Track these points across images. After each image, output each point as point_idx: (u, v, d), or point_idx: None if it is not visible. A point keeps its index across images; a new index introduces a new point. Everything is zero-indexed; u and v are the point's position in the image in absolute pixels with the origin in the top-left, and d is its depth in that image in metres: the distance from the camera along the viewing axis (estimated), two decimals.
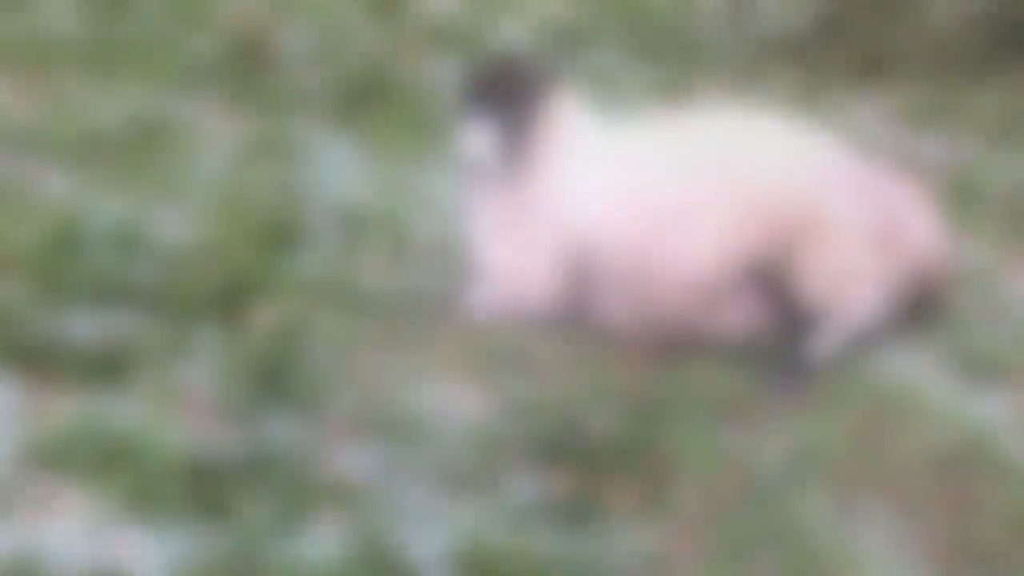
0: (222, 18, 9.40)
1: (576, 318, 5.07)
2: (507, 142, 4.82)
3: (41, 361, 4.57)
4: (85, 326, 4.87)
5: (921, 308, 5.10)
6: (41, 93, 8.11)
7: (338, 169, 6.79)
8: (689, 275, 4.77)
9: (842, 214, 4.73)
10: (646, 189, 4.82)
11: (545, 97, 4.96)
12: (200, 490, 3.85)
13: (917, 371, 4.66)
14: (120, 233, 5.62)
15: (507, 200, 5.04)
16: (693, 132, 4.95)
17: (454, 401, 4.48)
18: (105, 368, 4.58)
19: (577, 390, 4.49)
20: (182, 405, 4.38)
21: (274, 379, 4.51)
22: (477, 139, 4.79)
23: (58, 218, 5.78)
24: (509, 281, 5.02)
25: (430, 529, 3.73)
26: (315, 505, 3.72)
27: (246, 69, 8.64)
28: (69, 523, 3.69)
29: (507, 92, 4.90)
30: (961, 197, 6.70)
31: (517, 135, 4.86)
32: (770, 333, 4.91)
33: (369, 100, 7.88)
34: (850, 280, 4.76)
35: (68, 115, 7.51)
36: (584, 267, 4.95)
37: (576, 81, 8.64)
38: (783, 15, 10.32)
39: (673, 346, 4.89)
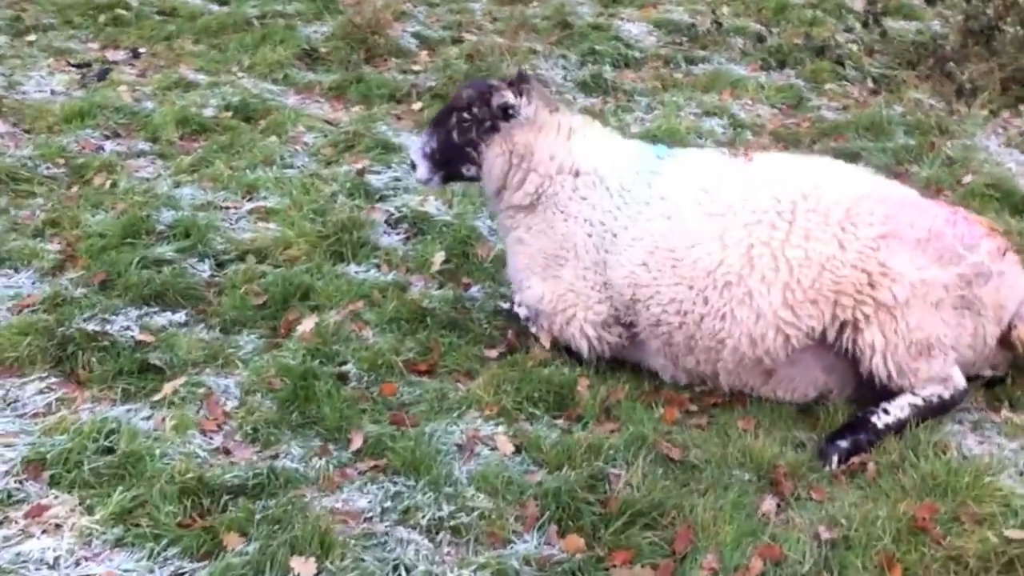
0: (343, 6, 9.33)
1: (626, 359, 4.78)
2: (438, 152, 4.83)
3: (79, 359, 4.54)
4: (130, 326, 4.83)
5: (1007, 372, 4.61)
6: (160, 70, 8.19)
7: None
8: (743, 348, 4.37)
9: (919, 279, 4.21)
10: (695, 253, 4.38)
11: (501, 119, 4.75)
12: (195, 514, 3.73)
13: (993, 450, 4.18)
14: (185, 229, 5.57)
15: (541, 234, 4.75)
16: (753, 188, 4.43)
17: (481, 440, 4.24)
18: (139, 371, 4.53)
19: (610, 439, 4.19)
20: (205, 418, 4.28)
21: (301, 400, 4.37)
22: (414, 142, 4.91)
23: (132, 208, 5.79)
24: (550, 316, 4.75)
25: None
26: (304, 546, 3.54)
27: (358, 59, 8.54)
28: (58, 538, 3.62)
29: (450, 111, 4.84)
30: None
31: (449, 150, 4.81)
32: (837, 393, 4.51)
33: None
34: (926, 350, 4.26)
35: (177, 96, 7.54)
36: (627, 315, 4.62)
37: (694, 82, 8.35)
38: (928, 23, 9.67)
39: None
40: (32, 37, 8.75)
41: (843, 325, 4.27)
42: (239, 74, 8.21)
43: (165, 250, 5.42)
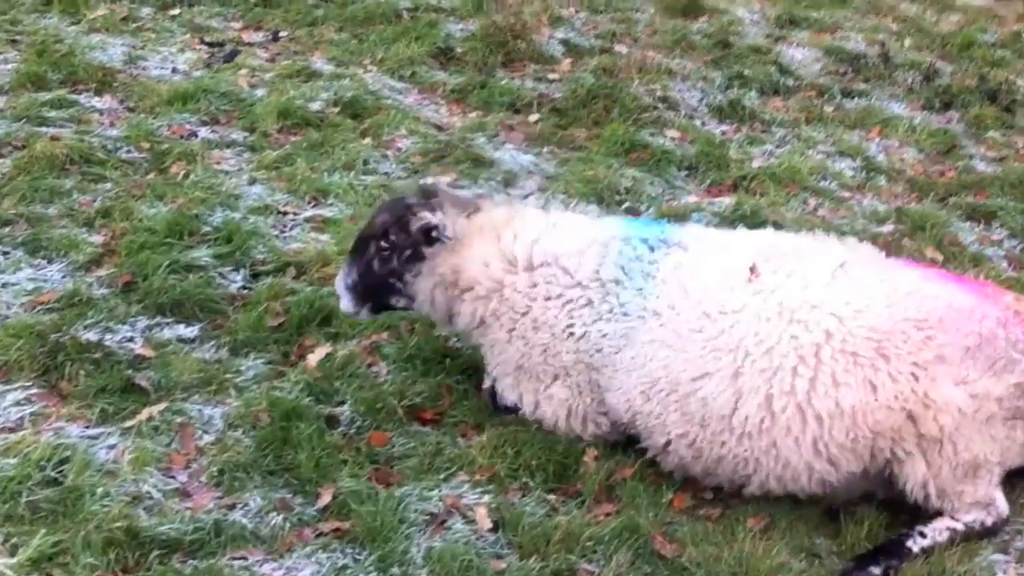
0: (497, 6, 8.86)
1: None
2: (359, 284, 4.26)
3: (66, 370, 4.25)
4: (134, 337, 4.54)
5: None
6: (291, 57, 7.92)
7: None
8: (771, 484, 3.79)
9: (969, 398, 3.59)
10: (703, 390, 3.74)
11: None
12: (118, 569, 3.37)
13: None
14: (229, 234, 5.25)
15: (508, 345, 4.13)
16: (767, 322, 3.72)
17: (459, 510, 3.74)
18: (123, 391, 4.20)
19: (594, 528, 3.64)
20: (176, 452, 3.93)
21: (279, 443, 3.96)
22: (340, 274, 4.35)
23: (185, 205, 5.51)
24: (532, 413, 4.18)
25: None
26: None
27: (494, 62, 8.05)
28: None
29: (367, 239, 4.27)
30: None
31: (371, 282, 4.25)
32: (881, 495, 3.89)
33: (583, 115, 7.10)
34: (972, 471, 3.67)
35: (293, 86, 7.23)
36: (632, 429, 4.02)
37: (842, 117, 7.49)
38: None
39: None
40: (176, 11, 8.57)
41: (884, 464, 3.72)
42: (369, 67, 7.86)
43: (201, 255, 5.10)
